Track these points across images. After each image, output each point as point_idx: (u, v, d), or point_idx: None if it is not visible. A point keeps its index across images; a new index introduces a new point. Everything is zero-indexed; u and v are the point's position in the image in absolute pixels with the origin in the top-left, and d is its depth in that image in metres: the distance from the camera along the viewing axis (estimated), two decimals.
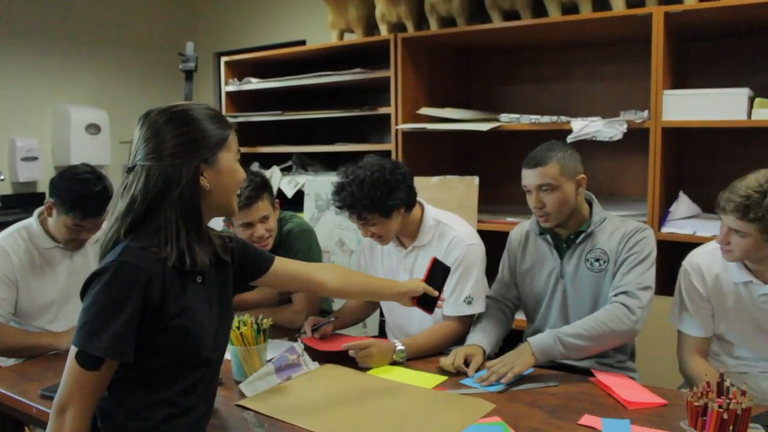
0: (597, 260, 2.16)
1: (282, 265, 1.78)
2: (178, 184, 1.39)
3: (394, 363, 2.13)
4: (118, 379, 1.40)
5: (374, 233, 2.29)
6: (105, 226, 1.44)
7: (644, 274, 2.08)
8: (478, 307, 2.31)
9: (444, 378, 1.98)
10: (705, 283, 2.08)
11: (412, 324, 2.43)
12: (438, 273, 2.04)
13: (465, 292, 2.29)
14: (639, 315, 2.03)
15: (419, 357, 2.18)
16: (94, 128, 4.95)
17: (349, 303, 2.57)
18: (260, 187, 2.41)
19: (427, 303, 2.01)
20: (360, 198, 2.19)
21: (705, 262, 2.09)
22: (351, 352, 2.10)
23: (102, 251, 1.43)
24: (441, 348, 2.26)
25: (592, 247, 2.17)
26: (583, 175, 2.17)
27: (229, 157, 1.47)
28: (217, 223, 2.24)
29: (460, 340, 2.30)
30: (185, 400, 1.47)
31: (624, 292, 2.06)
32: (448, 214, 2.44)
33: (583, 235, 2.19)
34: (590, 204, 2.23)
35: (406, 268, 2.41)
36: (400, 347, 2.15)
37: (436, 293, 2.01)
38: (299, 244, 2.60)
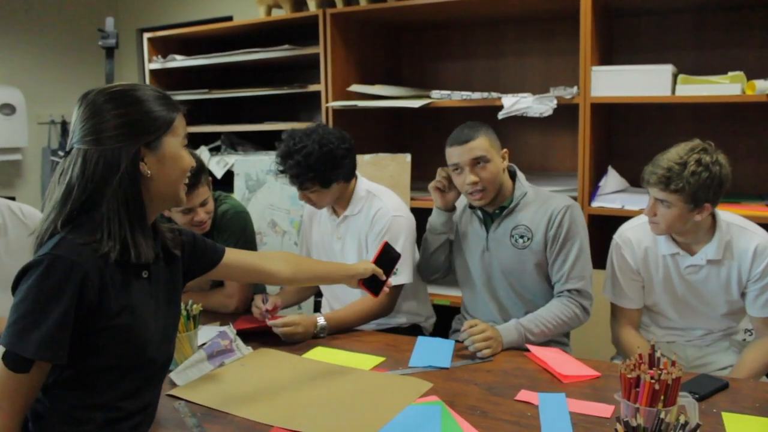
0: (521, 236, 2.20)
1: (233, 257, 1.71)
2: (117, 169, 1.28)
3: (316, 338, 2.16)
4: (53, 381, 1.31)
5: (310, 199, 2.32)
6: (42, 215, 1.34)
7: (588, 263, 2.18)
8: (403, 278, 2.33)
9: (382, 359, 1.96)
10: (635, 256, 2.13)
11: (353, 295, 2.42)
12: (387, 257, 2.05)
13: None
14: (590, 313, 2.16)
15: (341, 330, 2.22)
16: (8, 108, 4.71)
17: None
18: (198, 172, 2.33)
19: (373, 285, 2.00)
20: (305, 169, 2.21)
21: (635, 236, 2.13)
22: (276, 330, 2.10)
23: (37, 242, 1.32)
24: (365, 320, 2.29)
25: (517, 223, 2.21)
26: (505, 150, 2.23)
27: (174, 143, 1.37)
28: None
29: (384, 310, 2.32)
30: (127, 404, 1.38)
31: (578, 290, 2.14)
32: (380, 187, 2.49)
33: (506, 210, 2.22)
34: (513, 177, 2.27)
35: (339, 236, 2.44)
36: (321, 323, 2.17)
37: (384, 277, 2.01)
38: (234, 225, 2.55)
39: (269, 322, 2.11)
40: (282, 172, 2.28)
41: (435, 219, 2.34)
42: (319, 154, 2.20)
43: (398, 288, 2.35)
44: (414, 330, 2.50)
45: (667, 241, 2.07)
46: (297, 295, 2.60)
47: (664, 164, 1.92)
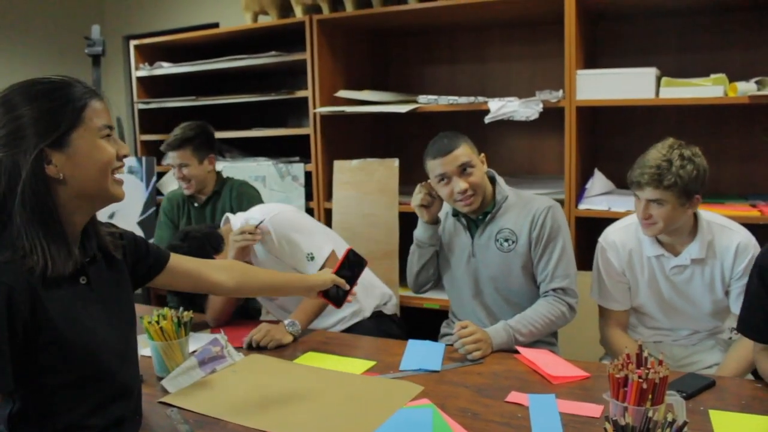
0: (506, 240, 2.22)
1: (176, 261, 1.63)
2: (19, 177, 1.20)
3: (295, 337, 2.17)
4: (9, 415, 1.24)
5: None
6: None
7: (571, 261, 2.20)
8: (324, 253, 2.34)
9: (373, 363, 1.97)
10: (620, 258, 2.15)
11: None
12: (351, 265, 1.96)
13: None
14: (576, 311, 2.19)
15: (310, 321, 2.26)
16: None
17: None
18: (180, 140, 2.83)
19: (335, 296, 1.93)
20: None
21: (620, 238, 2.16)
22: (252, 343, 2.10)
23: None
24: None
25: (501, 227, 2.23)
26: (483, 154, 2.25)
27: (86, 136, 1.26)
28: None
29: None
30: (96, 420, 1.31)
31: (563, 289, 2.16)
32: (270, 206, 2.55)
33: (489, 216, 2.24)
34: (492, 182, 2.28)
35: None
36: (290, 325, 2.17)
37: (347, 286, 1.94)
38: (237, 194, 2.95)
39: (243, 341, 2.09)
40: None
41: (422, 233, 2.33)
42: None
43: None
44: (381, 318, 2.49)
45: (651, 242, 2.09)
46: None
47: (651, 163, 1.94)
